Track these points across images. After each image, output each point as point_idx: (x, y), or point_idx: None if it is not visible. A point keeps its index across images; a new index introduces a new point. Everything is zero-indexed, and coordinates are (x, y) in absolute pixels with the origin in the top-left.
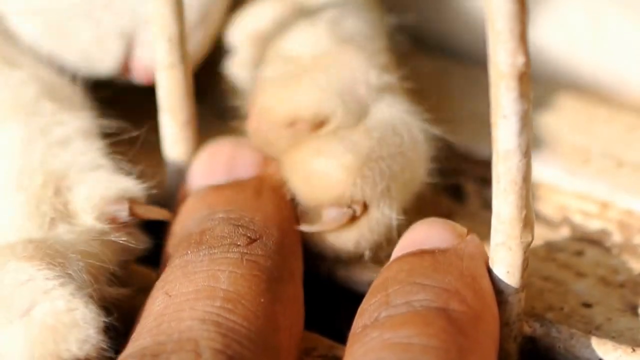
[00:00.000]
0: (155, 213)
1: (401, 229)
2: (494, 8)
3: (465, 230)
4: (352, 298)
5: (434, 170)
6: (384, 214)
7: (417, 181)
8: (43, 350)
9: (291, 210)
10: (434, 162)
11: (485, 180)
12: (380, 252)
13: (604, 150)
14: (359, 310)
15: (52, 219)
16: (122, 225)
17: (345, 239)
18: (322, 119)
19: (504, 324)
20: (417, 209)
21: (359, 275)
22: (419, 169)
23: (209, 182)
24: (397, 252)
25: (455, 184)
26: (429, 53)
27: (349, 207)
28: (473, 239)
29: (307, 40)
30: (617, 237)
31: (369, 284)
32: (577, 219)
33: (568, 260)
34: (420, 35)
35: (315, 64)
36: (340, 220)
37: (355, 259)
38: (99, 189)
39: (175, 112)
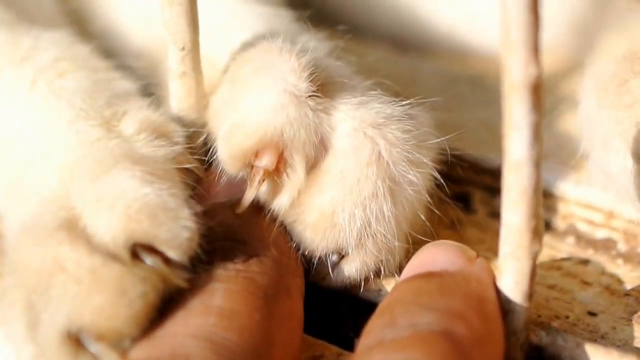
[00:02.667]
0: None
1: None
2: (508, 18)
3: (474, 253)
4: (360, 305)
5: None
6: (368, 249)
7: (408, 186)
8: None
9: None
10: (439, 169)
11: (492, 189)
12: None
13: None
14: (365, 330)
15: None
16: None
17: (345, 274)
18: (268, 142)
19: (511, 332)
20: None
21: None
22: (407, 174)
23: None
24: (406, 273)
25: (463, 192)
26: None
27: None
28: (482, 262)
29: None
30: (622, 246)
31: (377, 291)
32: (583, 227)
33: (573, 269)
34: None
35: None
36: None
37: None
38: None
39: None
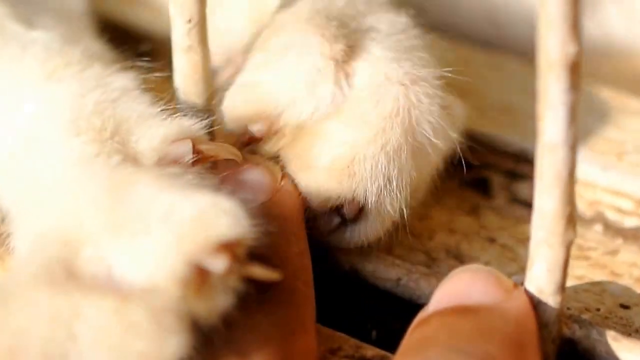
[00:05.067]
0: (221, 150)
1: (412, 221)
2: None
3: (511, 283)
4: (378, 294)
5: (455, 158)
6: (385, 208)
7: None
8: (192, 243)
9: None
10: (456, 151)
11: (512, 174)
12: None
13: (637, 144)
14: None
15: (122, 159)
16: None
17: (347, 237)
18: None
19: (543, 325)
20: (441, 203)
21: (386, 271)
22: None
23: None
24: (436, 301)
25: (481, 177)
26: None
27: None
28: (519, 294)
29: None
30: None
31: (397, 280)
32: (611, 215)
33: (602, 259)
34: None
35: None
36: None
37: (382, 256)
38: (160, 130)
39: (191, 96)
